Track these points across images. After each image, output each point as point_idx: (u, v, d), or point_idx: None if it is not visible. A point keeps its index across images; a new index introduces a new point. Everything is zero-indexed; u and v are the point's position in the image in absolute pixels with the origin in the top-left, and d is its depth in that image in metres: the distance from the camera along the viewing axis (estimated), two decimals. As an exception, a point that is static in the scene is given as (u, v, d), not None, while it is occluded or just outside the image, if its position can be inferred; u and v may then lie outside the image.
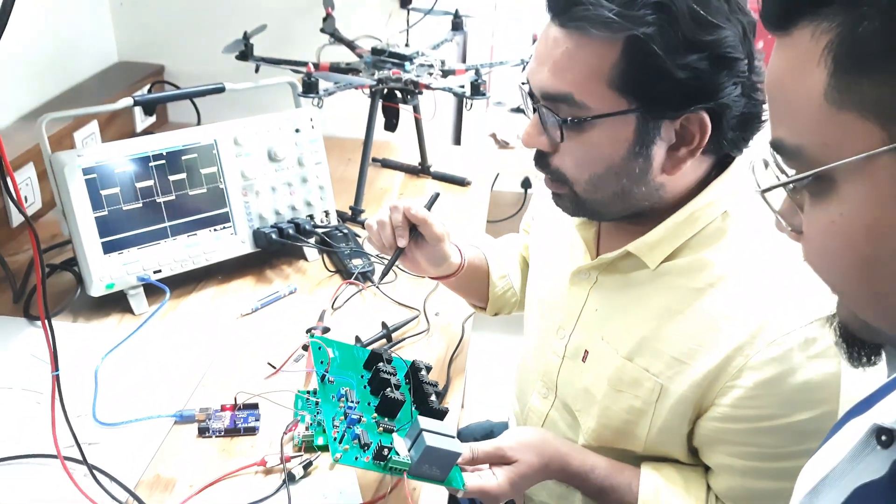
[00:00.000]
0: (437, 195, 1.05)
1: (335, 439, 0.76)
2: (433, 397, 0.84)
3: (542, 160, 0.86)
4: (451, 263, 1.06)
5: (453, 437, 0.78)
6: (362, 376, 0.85)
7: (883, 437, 0.50)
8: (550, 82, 0.79)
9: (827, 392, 0.77)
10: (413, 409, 0.83)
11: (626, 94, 0.77)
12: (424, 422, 0.77)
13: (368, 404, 0.82)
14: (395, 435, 0.78)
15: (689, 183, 0.85)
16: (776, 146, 0.47)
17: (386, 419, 0.81)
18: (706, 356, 0.82)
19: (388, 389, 0.82)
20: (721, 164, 0.86)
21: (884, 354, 0.52)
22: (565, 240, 0.99)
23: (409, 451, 0.76)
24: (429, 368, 0.88)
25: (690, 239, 0.85)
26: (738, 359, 0.80)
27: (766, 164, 0.51)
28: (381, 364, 0.85)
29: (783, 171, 0.48)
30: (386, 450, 0.74)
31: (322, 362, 0.83)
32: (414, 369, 0.87)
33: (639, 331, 0.87)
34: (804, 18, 0.43)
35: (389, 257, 1.02)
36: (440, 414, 0.83)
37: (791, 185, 0.47)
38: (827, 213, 0.45)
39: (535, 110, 0.84)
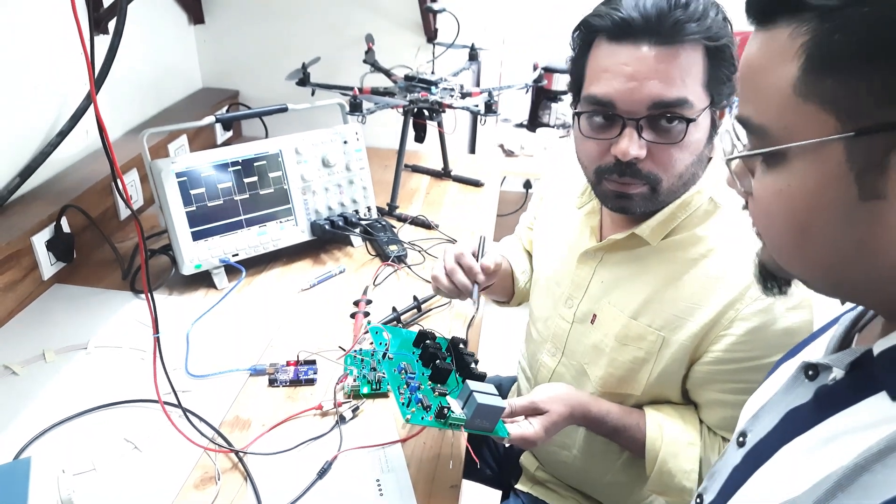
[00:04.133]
0: (484, 238, 0.95)
1: (403, 404, 0.74)
2: (473, 364, 0.83)
3: (631, 167, 0.78)
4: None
5: (497, 395, 0.76)
6: (413, 352, 0.84)
7: (810, 372, 0.51)
8: (666, 91, 0.74)
9: (802, 335, 0.76)
10: (457, 375, 0.82)
11: (708, 90, 0.77)
12: (473, 384, 0.76)
13: (423, 374, 0.80)
14: (448, 397, 0.77)
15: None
16: (742, 121, 0.46)
17: (439, 385, 0.79)
18: (702, 312, 0.81)
19: (438, 361, 0.80)
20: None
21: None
22: (571, 228, 0.97)
23: (462, 409, 0.75)
24: (465, 342, 0.87)
25: (684, 220, 0.84)
26: (730, 312, 0.79)
27: (730, 135, 0.50)
28: (427, 341, 0.84)
29: (740, 140, 0.47)
30: (445, 409, 0.73)
31: (381, 343, 0.82)
32: (454, 343, 0.85)
33: (642, 295, 0.86)
34: (783, 18, 0.42)
35: (466, 295, 0.93)
36: (481, 377, 0.81)
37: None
38: (776, 181, 0.44)
39: (623, 126, 0.77)
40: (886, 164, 0.39)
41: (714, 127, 0.80)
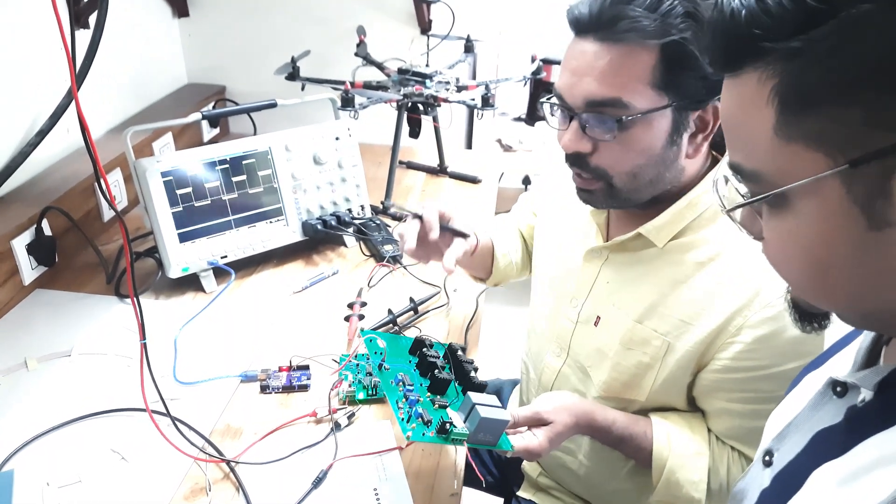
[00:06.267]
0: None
1: (403, 419, 0.74)
2: (472, 373, 0.82)
3: (579, 161, 0.82)
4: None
5: (500, 407, 0.76)
6: (409, 361, 0.83)
7: (838, 388, 0.51)
8: (598, 90, 0.76)
9: (812, 345, 0.76)
10: (457, 384, 0.81)
11: (665, 90, 0.76)
12: (475, 397, 0.75)
13: (421, 385, 0.79)
14: (448, 410, 0.76)
15: (698, 167, 0.85)
16: (735, 169, 0.47)
17: (438, 397, 0.78)
18: (709, 317, 0.81)
19: (436, 370, 0.79)
20: (714, 159, 0.86)
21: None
22: (576, 226, 0.98)
23: (464, 422, 0.74)
24: (464, 349, 0.86)
25: (692, 221, 0.84)
26: (738, 319, 0.79)
27: (727, 180, 0.50)
28: (424, 349, 0.83)
29: (738, 187, 0.48)
30: (447, 424, 0.73)
31: (376, 353, 0.81)
32: (451, 350, 0.85)
33: (647, 298, 0.86)
34: (748, 64, 0.42)
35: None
36: (481, 387, 0.81)
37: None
38: (784, 222, 0.44)
39: (571, 119, 0.80)
40: (889, 190, 0.38)
41: (678, 128, 0.78)
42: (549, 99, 0.84)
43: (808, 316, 0.51)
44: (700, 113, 0.79)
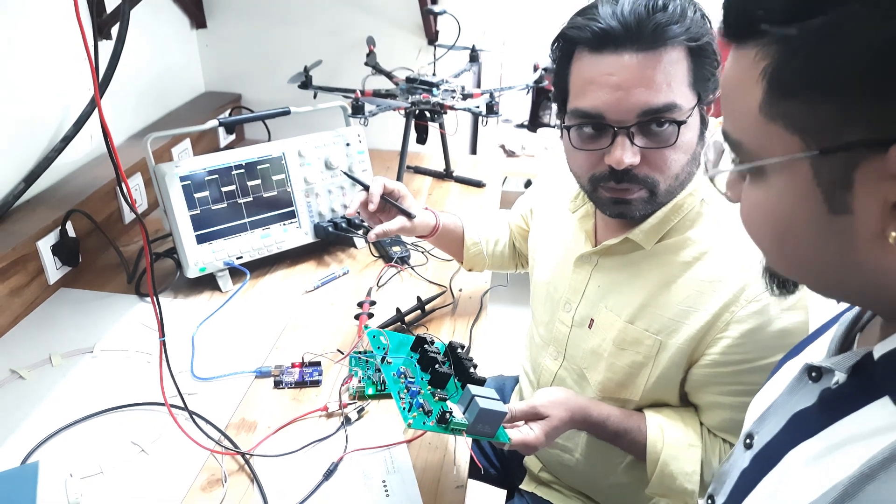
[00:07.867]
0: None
1: (404, 409, 0.74)
2: (472, 369, 0.82)
3: (628, 175, 0.78)
4: (428, 224, 1.08)
5: (499, 400, 0.76)
6: (411, 357, 0.83)
7: (813, 374, 0.51)
8: (654, 98, 0.74)
9: (798, 336, 0.75)
10: (456, 380, 0.81)
11: (694, 89, 0.76)
12: (474, 389, 0.76)
13: (422, 379, 0.80)
14: (448, 402, 0.76)
15: None
16: (724, 135, 0.48)
17: (438, 390, 0.79)
18: (698, 315, 0.81)
19: (437, 365, 0.80)
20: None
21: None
22: (566, 232, 0.97)
23: (463, 413, 0.75)
24: (463, 347, 0.86)
25: (677, 223, 0.84)
26: (726, 315, 0.79)
27: (714, 146, 0.52)
28: (426, 346, 0.83)
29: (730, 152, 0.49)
30: (447, 414, 0.73)
31: (379, 348, 0.81)
32: (451, 348, 0.85)
33: (638, 299, 0.85)
34: (751, 39, 0.43)
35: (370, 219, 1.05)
36: (480, 382, 0.81)
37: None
38: (757, 192, 0.46)
39: (615, 135, 0.76)
40: (852, 180, 0.40)
41: (704, 123, 0.80)
42: (580, 124, 0.79)
43: (781, 282, 0.53)
44: (706, 108, 0.80)
